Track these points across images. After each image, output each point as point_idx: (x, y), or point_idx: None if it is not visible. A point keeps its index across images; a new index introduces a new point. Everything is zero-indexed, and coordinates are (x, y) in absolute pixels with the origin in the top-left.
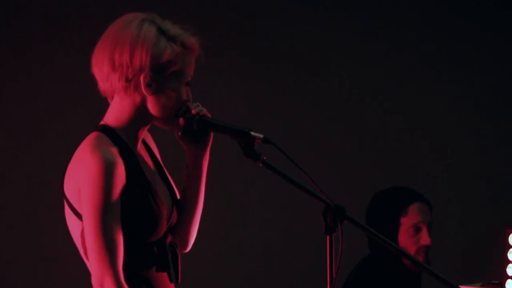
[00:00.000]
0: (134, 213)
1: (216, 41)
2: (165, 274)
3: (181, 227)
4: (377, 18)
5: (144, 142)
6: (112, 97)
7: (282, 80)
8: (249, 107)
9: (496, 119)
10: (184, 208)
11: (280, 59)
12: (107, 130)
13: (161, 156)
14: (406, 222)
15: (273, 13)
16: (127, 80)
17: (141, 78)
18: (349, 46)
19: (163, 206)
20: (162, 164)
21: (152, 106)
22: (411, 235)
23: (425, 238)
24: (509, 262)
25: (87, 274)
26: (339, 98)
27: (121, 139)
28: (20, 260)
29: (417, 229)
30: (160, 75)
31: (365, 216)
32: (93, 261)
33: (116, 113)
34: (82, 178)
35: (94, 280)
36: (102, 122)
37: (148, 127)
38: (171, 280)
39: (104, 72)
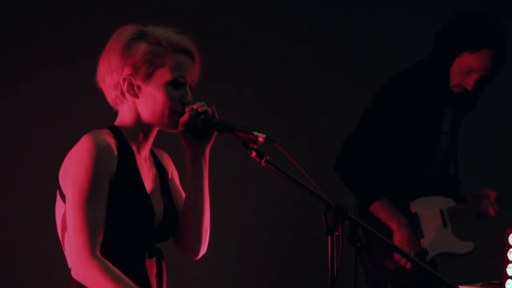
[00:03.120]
0: (118, 205)
1: (213, 42)
2: (143, 279)
3: (186, 233)
4: (380, 17)
5: (155, 157)
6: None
7: (282, 79)
8: (249, 106)
9: (496, 119)
10: (186, 212)
11: (280, 59)
12: (113, 128)
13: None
14: (466, 60)
15: (274, 13)
16: (115, 87)
17: (121, 83)
18: (351, 46)
19: (149, 210)
20: (173, 182)
21: (141, 110)
22: (462, 72)
23: (469, 83)
24: (509, 262)
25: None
26: (339, 98)
27: (124, 138)
28: (20, 260)
29: (468, 72)
30: (140, 78)
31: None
32: (72, 238)
33: (121, 119)
34: (72, 159)
35: (73, 256)
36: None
37: (151, 132)
38: (148, 286)
39: (101, 86)
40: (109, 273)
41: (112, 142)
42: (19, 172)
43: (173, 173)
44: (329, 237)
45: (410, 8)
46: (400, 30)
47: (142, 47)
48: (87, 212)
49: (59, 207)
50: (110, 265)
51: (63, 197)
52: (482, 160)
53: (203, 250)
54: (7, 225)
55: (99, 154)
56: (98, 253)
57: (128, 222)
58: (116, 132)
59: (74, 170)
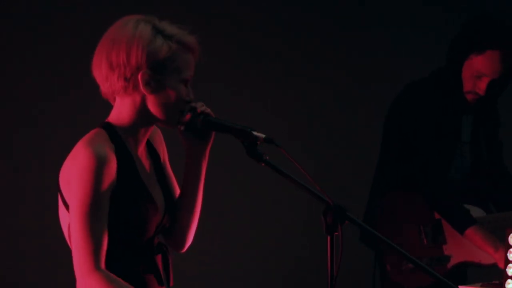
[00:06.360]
0: (122, 211)
1: (217, 39)
2: (153, 276)
3: (177, 227)
4: (381, 18)
5: (149, 142)
6: (114, 99)
7: (282, 79)
8: (249, 106)
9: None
10: (182, 207)
11: (280, 59)
12: (108, 128)
13: (168, 156)
14: (474, 64)
15: (274, 13)
16: (126, 79)
17: (139, 77)
18: (351, 47)
19: (154, 208)
20: (165, 166)
21: (152, 105)
22: (473, 77)
23: (480, 88)
24: (509, 262)
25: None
26: (339, 98)
27: (120, 137)
28: (20, 260)
29: (479, 76)
30: (159, 73)
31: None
32: (75, 252)
33: (117, 113)
34: (73, 171)
35: (76, 270)
36: (106, 120)
37: (150, 128)
38: (160, 283)
39: (103, 73)
40: (113, 285)
41: (110, 149)
42: (24, 172)
43: (164, 154)
44: (329, 237)
45: (410, 9)
46: (400, 30)
47: (166, 45)
48: (89, 227)
49: (64, 215)
50: (114, 277)
51: (66, 206)
52: None
53: (188, 243)
54: (9, 226)
55: (100, 169)
56: (102, 266)
57: (136, 224)
58: (111, 131)
59: (75, 186)
